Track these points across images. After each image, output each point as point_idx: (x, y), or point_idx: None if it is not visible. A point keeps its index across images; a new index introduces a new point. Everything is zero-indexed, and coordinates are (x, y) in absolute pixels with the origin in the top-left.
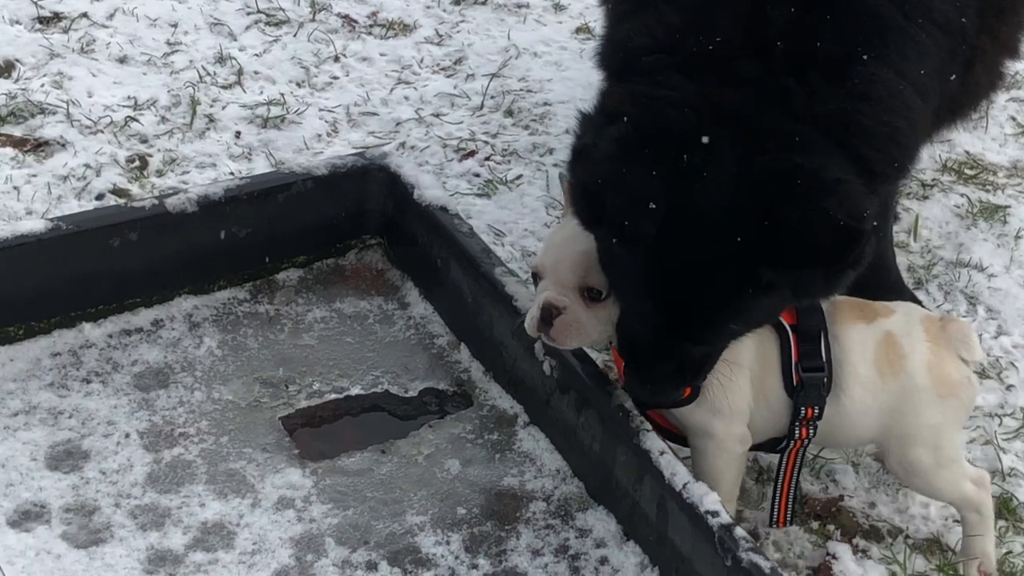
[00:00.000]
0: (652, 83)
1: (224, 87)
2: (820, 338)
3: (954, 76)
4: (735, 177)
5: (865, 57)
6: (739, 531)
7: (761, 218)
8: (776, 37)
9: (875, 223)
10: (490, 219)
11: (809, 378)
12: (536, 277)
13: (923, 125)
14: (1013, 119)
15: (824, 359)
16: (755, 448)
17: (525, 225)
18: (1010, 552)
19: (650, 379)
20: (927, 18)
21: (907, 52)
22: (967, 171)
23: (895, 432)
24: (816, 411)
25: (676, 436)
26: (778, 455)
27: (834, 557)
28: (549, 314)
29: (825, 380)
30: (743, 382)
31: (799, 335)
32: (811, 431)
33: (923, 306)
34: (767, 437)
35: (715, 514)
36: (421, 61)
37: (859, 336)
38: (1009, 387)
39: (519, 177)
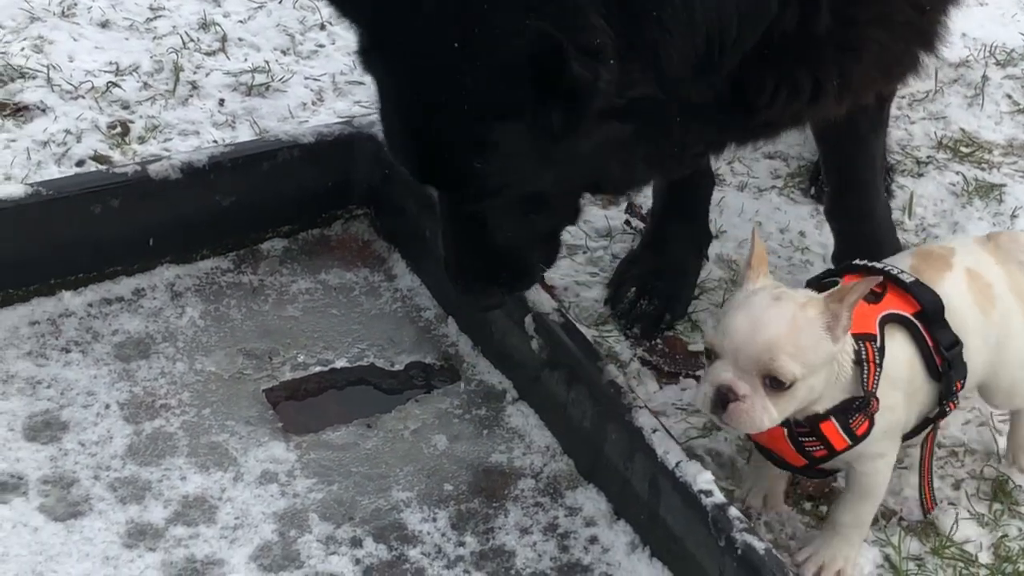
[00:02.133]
0: None
1: (208, 54)
2: (943, 313)
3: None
4: None
5: None
6: (733, 511)
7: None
8: None
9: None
10: None
11: (952, 354)
12: (710, 352)
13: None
14: (1009, 97)
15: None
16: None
17: None
18: (1006, 536)
19: (454, 266)
20: None
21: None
22: (963, 149)
23: (1001, 361)
24: (963, 382)
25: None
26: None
27: None
28: (725, 398)
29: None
30: (899, 397)
31: (925, 320)
32: (957, 402)
33: None
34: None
35: (709, 493)
36: None
37: (953, 285)
38: None
39: None
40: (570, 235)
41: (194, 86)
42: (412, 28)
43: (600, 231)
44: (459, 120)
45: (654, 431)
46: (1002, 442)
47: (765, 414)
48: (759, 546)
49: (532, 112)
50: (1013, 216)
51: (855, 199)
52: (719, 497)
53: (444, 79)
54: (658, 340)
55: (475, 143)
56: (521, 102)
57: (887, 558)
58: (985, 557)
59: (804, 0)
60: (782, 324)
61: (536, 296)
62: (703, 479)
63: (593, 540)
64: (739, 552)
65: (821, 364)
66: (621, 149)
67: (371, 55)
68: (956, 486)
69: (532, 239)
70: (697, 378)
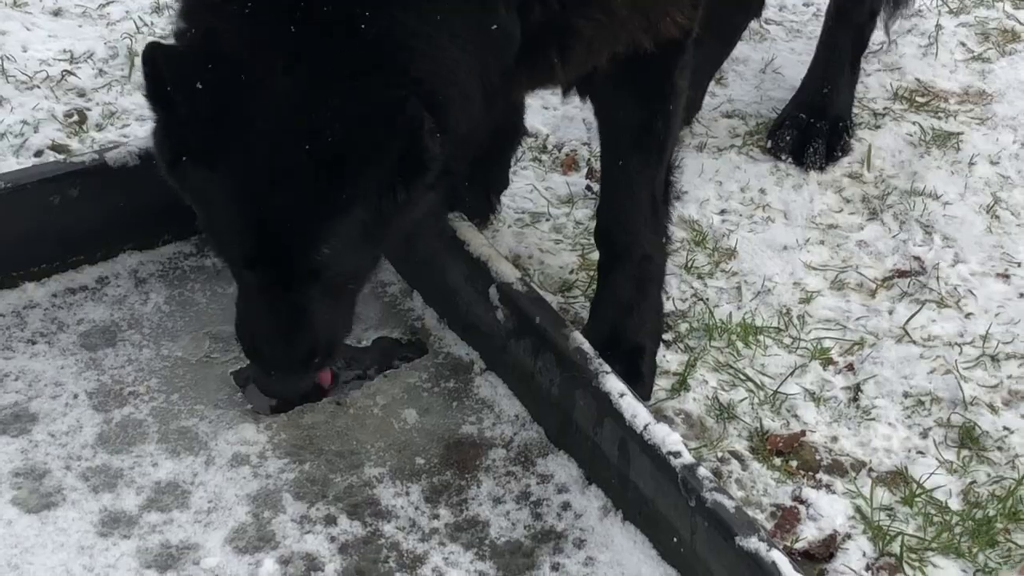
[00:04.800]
0: None
1: (162, 37)
2: None
3: None
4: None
5: None
6: (702, 471)
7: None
8: None
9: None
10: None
11: None
12: None
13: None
14: (963, 44)
15: None
16: None
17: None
18: (974, 482)
19: (268, 354)
20: None
21: None
22: (918, 99)
23: None
24: None
25: None
26: None
27: (800, 501)
28: None
29: None
30: None
31: None
32: None
33: None
34: None
35: (677, 455)
36: None
37: None
38: (968, 315)
39: None
40: (532, 203)
41: None
42: (258, 121)
43: (562, 198)
44: (307, 211)
45: (621, 395)
46: (968, 389)
47: None
48: (729, 504)
49: (377, 195)
50: (971, 164)
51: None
52: (688, 458)
53: (296, 169)
54: None
55: (321, 233)
56: (368, 187)
57: (858, 509)
58: (955, 504)
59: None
60: None
61: (499, 266)
62: (671, 440)
63: (566, 506)
64: (709, 511)
65: None
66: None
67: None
68: (924, 435)
69: (345, 316)
70: (664, 342)
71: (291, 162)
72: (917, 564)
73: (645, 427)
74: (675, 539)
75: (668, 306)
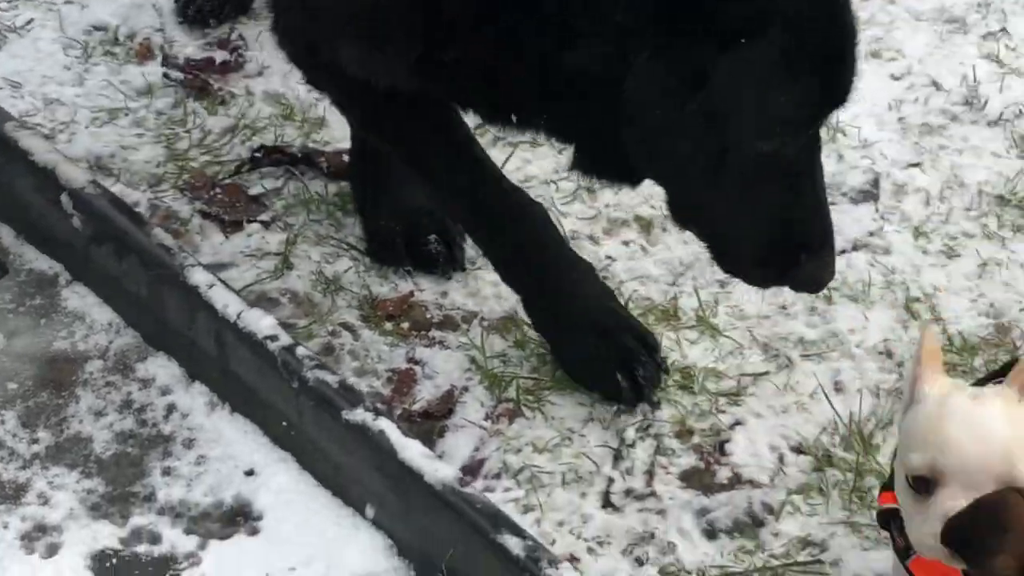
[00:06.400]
0: None
1: None
2: None
3: None
4: None
5: None
6: (302, 350)
7: None
8: None
9: None
10: (3, 71)
11: None
12: (924, 483)
13: None
14: None
15: None
16: None
17: (43, 71)
18: None
19: None
20: None
21: None
22: None
23: None
24: None
25: None
26: None
27: (415, 362)
28: None
29: None
30: None
31: None
32: None
33: None
34: None
35: (274, 338)
36: None
37: None
38: (560, 151)
39: (30, 22)
40: (109, 99)
41: None
42: None
43: (140, 90)
44: None
45: (211, 287)
46: (568, 224)
47: None
48: (332, 380)
49: None
50: None
51: None
52: (286, 339)
53: None
54: (217, 189)
55: None
56: None
57: (473, 361)
58: None
59: None
60: (1007, 426)
61: (68, 172)
62: (266, 325)
63: (171, 408)
64: (312, 390)
65: None
66: None
67: None
68: None
69: None
70: (263, 223)
71: None
72: (535, 405)
73: (239, 315)
74: (284, 423)
75: (260, 187)
